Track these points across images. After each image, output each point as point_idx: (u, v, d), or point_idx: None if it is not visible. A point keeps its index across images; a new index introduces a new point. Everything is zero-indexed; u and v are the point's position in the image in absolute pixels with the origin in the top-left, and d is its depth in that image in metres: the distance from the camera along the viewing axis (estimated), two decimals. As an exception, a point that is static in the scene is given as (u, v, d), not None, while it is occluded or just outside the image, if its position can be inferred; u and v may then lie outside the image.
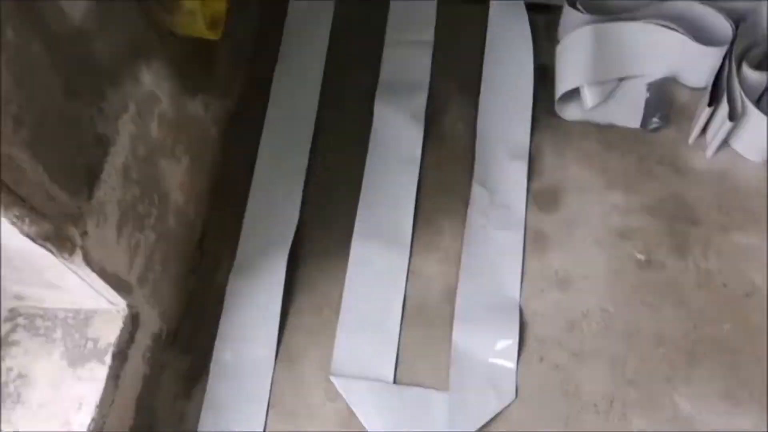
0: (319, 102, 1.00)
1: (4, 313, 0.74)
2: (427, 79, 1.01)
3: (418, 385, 0.82)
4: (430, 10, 1.05)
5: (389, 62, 1.02)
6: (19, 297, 0.73)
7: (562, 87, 0.95)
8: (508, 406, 0.80)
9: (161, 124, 0.78)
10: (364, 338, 0.85)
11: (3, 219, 0.57)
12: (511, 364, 0.81)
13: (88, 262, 0.65)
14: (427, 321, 0.86)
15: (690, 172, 0.92)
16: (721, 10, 0.93)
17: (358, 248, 0.90)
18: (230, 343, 0.85)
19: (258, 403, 0.82)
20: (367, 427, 0.79)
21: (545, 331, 0.84)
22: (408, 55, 1.02)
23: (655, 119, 0.95)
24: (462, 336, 0.84)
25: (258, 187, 0.95)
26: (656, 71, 0.96)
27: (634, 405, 0.79)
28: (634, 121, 0.96)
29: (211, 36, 0.77)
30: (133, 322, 0.75)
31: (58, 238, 0.62)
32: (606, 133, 0.96)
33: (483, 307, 0.86)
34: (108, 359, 0.72)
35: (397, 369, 0.83)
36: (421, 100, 0.99)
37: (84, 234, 0.64)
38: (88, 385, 0.70)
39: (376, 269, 0.89)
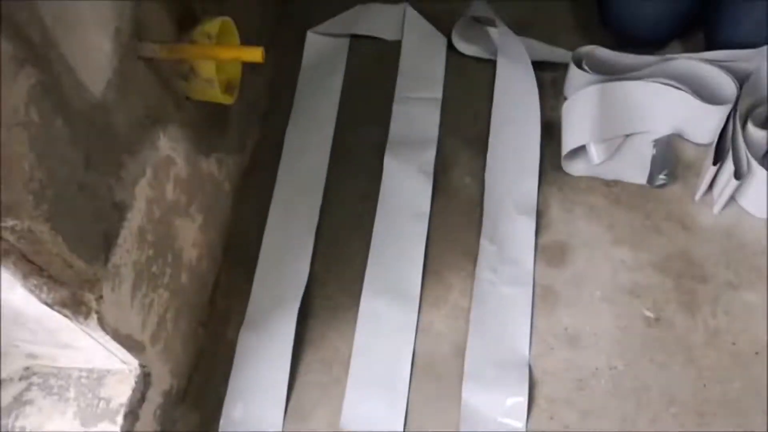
0: (330, 157, 1.02)
1: (19, 372, 0.75)
2: (435, 134, 1.03)
3: (427, 440, 0.82)
4: (439, 68, 1.08)
5: (398, 118, 1.04)
6: (32, 356, 0.75)
7: (568, 144, 0.96)
8: (517, 466, 0.80)
9: (176, 186, 0.80)
10: (374, 394, 0.85)
11: (21, 288, 0.59)
12: (520, 424, 0.81)
13: (103, 325, 0.67)
14: (436, 377, 0.86)
15: (697, 229, 0.93)
16: (725, 69, 0.95)
17: (367, 303, 0.91)
18: (240, 399, 0.86)
19: (268, 462, 0.82)
20: (376, 487, 0.79)
21: (555, 389, 0.84)
22: (417, 111, 1.05)
23: (661, 176, 0.96)
24: (471, 393, 0.84)
25: (269, 241, 0.97)
26: (662, 128, 0.98)
27: (645, 468, 0.79)
28: (640, 177, 0.97)
29: (227, 101, 0.79)
30: (144, 381, 0.76)
31: (75, 304, 0.64)
32: (613, 189, 0.97)
33: (493, 365, 0.86)
34: (120, 419, 0.72)
35: (406, 426, 0.83)
36: (429, 155, 1.01)
37: (99, 299, 0.66)
38: (100, 446, 0.71)
39: (385, 325, 0.89)
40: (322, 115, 1.05)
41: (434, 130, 1.03)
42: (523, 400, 0.82)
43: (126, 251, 0.70)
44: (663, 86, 0.96)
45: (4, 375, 0.75)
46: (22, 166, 0.53)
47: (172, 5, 0.76)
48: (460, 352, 0.87)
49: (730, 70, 0.95)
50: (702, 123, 0.96)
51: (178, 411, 0.85)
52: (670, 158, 0.97)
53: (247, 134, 1.03)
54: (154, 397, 0.80)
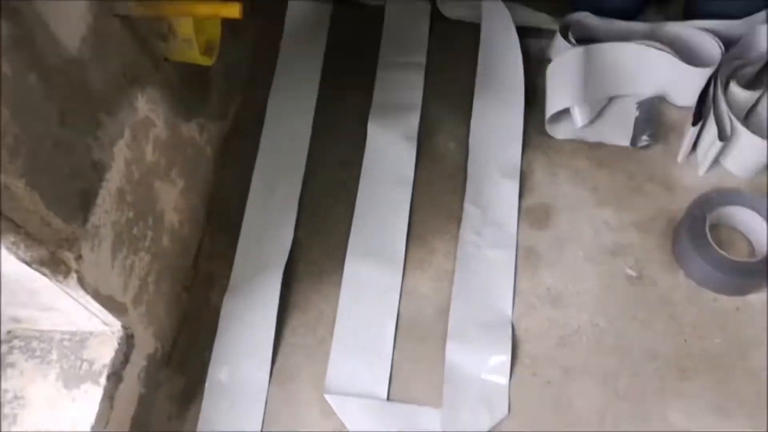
0: (313, 123, 1.02)
1: (1, 335, 0.75)
2: (419, 99, 1.02)
3: (412, 402, 0.82)
4: (422, 33, 1.07)
5: (382, 84, 1.04)
6: (15, 319, 0.74)
7: (552, 107, 0.96)
8: (501, 421, 0.80)
9: (156, 148, 0.79)
10: (358, 356, 0.86)
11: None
12: (503, 381, 0.82)
13: (83, 285, 0.66)
14: (420, 339, 0.87)
15: (680, 189, 0.93)
16: (710, 32, 0.95)
17: (351, 267, 0.91)
18: (225, 362, 0.86)
19: (253, 421, 0.82)
20: (361, 446, 0.80)
21: (537, 347, 0.84)
22: (401, 76, 1.04)
23: (644, 137, 0.96)
24: (455, 353, 0.84)
25: (253, 207, 0.96)
26: (645, 90, 0.98)
27: (625, 419, 0.79)
28: (624, 139, 0.97)
29: (206, 62, 0.78)
30: (127, 343, 0.76)
31: (53, 263, 0.63)
32: (596, 151, 0.97)
33: (476, 325, 0.86)
34: (103, 380, 0.73)
35: (391, 386, 0.84)
36: (413, 121, 1.01)
37: (78, 258, 0.66)
38: (84, 406, 0.71)
39: (369, 288, 0.90)
40: (305, 81, 1.05)
41: (418, 96, 1.03)
42: (506, 358, 0.83)
43: (105, 212, 0.70)
44: (646, 48, 0.95)
45: (-15, 338, 0.75)
46: (-6, 119, 0.53)
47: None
48: (444, 313, 0.88)
49: (715, 33, 0.95)
50: (686, 85, 0.96)
51: (163, 374, 0.85)
52: (653, 120, 0.97)
53: (229, 100, 1.02)
54: (138, 360, 0.80)
